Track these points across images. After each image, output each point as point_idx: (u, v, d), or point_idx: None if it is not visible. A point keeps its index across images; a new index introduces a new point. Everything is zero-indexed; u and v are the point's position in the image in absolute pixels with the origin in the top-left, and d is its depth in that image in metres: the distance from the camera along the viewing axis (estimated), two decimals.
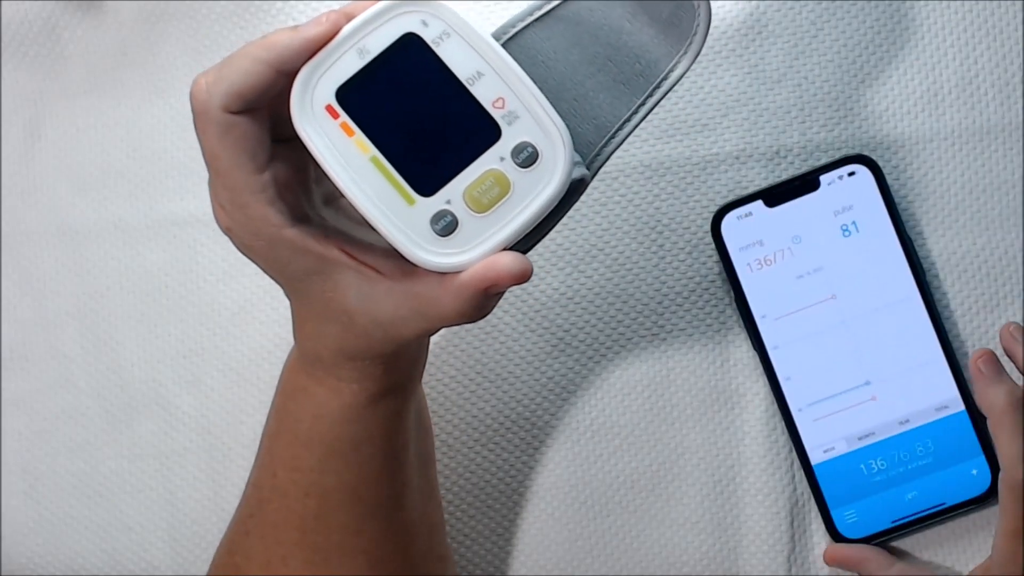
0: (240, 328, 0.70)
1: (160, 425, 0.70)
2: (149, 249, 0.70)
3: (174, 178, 0.70)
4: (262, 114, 0.49)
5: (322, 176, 0.52)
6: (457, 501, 0.68)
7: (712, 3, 0.54)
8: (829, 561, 0.65)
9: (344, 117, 0.49)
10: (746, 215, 0.66)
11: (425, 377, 0.59)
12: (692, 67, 0.53)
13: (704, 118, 0.67)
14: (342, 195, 0.51)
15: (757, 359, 0.67)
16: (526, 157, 0.49)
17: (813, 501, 0.66)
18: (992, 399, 0.62)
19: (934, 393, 0.65)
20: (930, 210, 0.67)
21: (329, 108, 0.49)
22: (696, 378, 0.68)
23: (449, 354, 0.68)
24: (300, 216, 0.51)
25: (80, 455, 0.70)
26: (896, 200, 0.66)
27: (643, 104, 0.52)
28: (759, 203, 0.66)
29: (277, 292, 0.69)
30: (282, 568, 0.57)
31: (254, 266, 0.69)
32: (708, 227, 0.67)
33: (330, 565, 0.57)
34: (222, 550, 0.60)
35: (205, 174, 0.70)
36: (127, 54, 0.70)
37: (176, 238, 0.70)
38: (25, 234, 0.71)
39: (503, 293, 0.51)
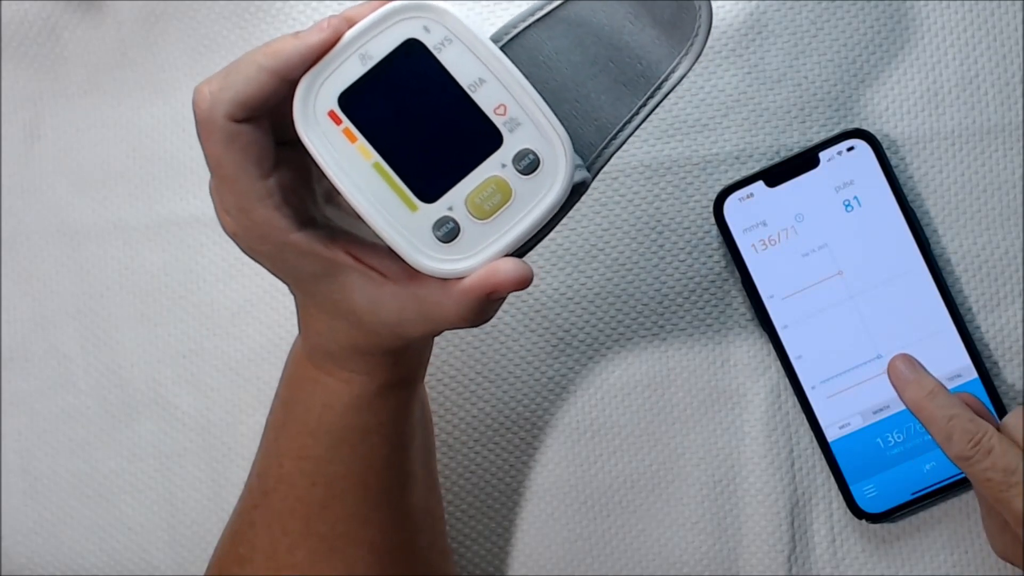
0: (240, 328, 0.70)
1: (160, 425, 0.70)
2: (149, 249, 0.70)
3: (174, 178, 0.70)
4: (265, 120, 0.49)
5: (323, 174, 0.52)
6: (457, 501, 0.68)
7: (712, 3, 0.53)
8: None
9: (347, 123, 0.49)
10: (747, 196, 0.66)
11: (425, 376, 0.59)
12: (692, 68, 0.53)
13: (704, 118, 0.67)
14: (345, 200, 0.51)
15: (759, 355, 0.67)
16: (527, 164, 0.49)
17: (813, 501, 0.66)
18: (909, 396, 0.61)
19: (946, 362, 0.65)
20: (930, 210, 0.66)
21: (332, 114, 0.49)
22: (696, 378, 0.68)
23: (449, 354, 0.68)
24: (305, 219, 0.51)
25: (80, 455, 0.70)
26: (895, 173, 0.66)
27: (644, 105, 0.52)
28: (760, 184, 0.66)
29: (276, 292, 0.69)
30: (288, 558, 0.57)
31: (254, 266, 0.69)
32: (708, 227, 0.67)
33: (336, 555, 0.57)
34: (226, 541, 0.60)
35: (205, 174, 0.70)
36: (127, 54, 0.70)
37: (176, 238, 0.70)
38: (25, 234, 0.71)
39: (504, 298, 0.51)
